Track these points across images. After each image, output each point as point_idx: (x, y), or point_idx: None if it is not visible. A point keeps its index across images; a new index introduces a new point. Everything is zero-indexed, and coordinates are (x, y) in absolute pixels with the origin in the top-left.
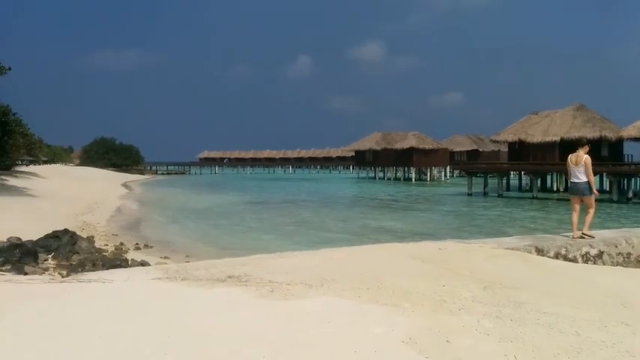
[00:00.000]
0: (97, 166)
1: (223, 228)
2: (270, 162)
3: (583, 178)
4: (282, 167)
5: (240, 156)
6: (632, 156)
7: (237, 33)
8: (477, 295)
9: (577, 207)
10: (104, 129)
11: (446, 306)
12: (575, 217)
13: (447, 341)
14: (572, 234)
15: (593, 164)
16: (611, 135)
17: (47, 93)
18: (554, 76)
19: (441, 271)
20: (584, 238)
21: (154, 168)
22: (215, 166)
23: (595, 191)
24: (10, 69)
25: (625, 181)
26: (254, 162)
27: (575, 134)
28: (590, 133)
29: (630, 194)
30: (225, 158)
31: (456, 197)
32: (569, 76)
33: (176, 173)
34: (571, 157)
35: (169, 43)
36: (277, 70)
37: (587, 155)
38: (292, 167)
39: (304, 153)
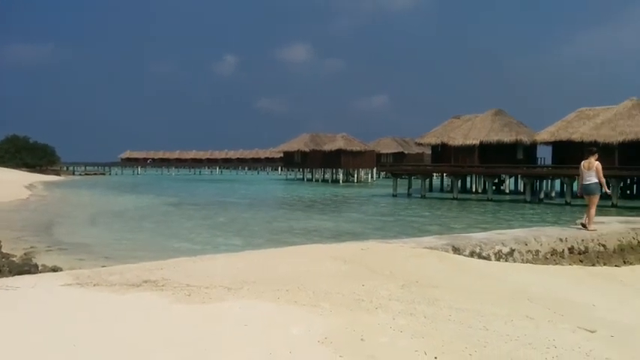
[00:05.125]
0: (7, 167)
1: (143, 230)
2: (196, 163)
3: (593, 180)
4: (208, 168)
5: (164, 156)
6: (544, 159)
7: (158, 29)
8: (395, 294)
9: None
10: (16, 127)
11: (363, 305)
12: (593, 211)
13: (362, 339)
14: (588, 225)
15: (508, 167)
16: (526, 139)
17: None
18: (476, 80)
19: (362, 271)
20: (584, 228)
21: (71, 168)
22: (138, 166)
23: (607, 189)
24: None
25: (538, 183)
26: (179, 163)
27: (493, 138)
28: (507, 137)
29: (542, 195)
30: (148, 159)
31: (381, 198)
32: (493, 81)
33: (95, 174)
34: (584, 164)
35: (86, 36)
36: (202, 69)
37: (597, 162)
38: (219, 168)
39: (232, 154)
